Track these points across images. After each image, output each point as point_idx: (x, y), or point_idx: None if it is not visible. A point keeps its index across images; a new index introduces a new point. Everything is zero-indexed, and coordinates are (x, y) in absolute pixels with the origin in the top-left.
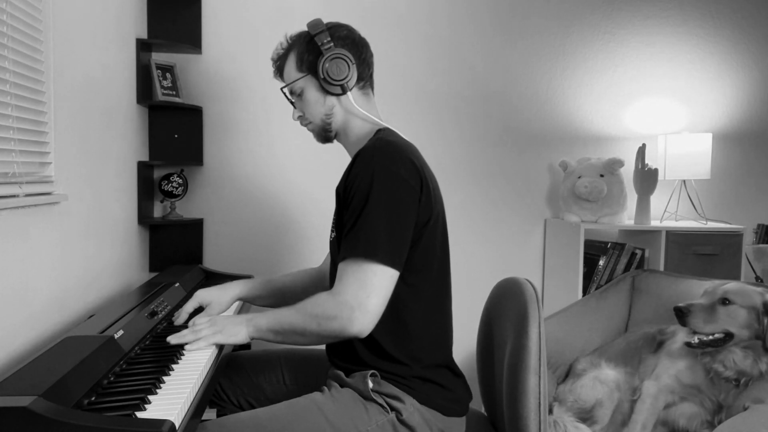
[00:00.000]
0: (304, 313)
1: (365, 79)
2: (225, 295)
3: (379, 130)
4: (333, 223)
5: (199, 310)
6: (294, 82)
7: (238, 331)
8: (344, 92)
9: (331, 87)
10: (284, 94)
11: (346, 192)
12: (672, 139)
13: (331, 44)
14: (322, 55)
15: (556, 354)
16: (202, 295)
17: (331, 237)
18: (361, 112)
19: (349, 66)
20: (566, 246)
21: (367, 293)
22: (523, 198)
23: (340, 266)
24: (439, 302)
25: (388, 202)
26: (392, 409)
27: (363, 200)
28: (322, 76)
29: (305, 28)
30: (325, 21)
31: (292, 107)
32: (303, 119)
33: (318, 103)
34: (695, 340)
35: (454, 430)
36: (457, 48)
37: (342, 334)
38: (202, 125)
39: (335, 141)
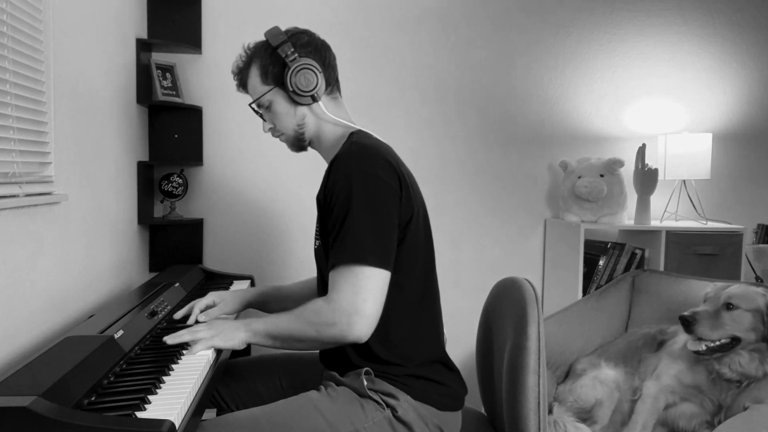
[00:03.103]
0: (302, 320)
1: (332, 83)
2: (235, 299)
3: (352, 133)
4: (316, 231)
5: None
6: (262, 96)
7: (235, 335)
8: (315, 101)
9: (301, 98)
10: (252, 109)
11: (326, 200)
12: (672, 139)
13: (296, 54)
14: (288, 67)
15: (556, 354)
16: (216, 293)
17: (315, 245)
18: (333, 118)
19: (316, 75)
20: (566, 246)
21: (363, 297)
22: (523, 198)
23: (332, 274)
24: (426, 300)
25: (370, 204)
26: (387, 406)
27: (345, 206)
28: (291, 89)
29: (263, 38)
30: (303, 26)
31: (261, 120)
32: (274, 131)
33: (288, 114)
34: (703, 347)
35: (449, 425)
36: (457, 49)
37: (342, 340)
38: (202, 125)
39: (309, 148)
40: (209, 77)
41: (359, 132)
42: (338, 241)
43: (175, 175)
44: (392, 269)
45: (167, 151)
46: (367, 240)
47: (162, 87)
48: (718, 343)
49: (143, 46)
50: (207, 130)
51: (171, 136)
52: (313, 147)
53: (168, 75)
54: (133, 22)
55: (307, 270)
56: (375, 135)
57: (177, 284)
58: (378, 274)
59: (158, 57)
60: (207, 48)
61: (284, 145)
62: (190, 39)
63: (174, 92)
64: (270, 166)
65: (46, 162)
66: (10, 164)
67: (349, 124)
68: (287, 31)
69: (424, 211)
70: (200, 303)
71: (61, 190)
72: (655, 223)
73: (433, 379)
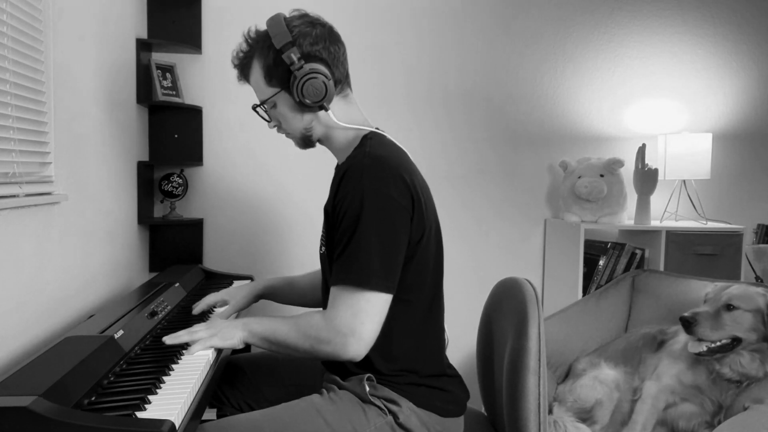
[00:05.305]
0: (299, 331)
1: (342, 80)
2: (245, 294)
3: (365, 137)
4: (322, 237)
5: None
6: (266, 99)
7: (234, 334)
8: (323, 109)
9: (307, 109)
10: (256, 112)
11: (334, 211)
12: (672, 139)
13: (302, 62)
14: (295, 77)
15: (556, 354)
16: (226, 291)
17: (320, 251)
18: (342, 125)
19: (325, 84)
20: (566, 246)
21: (361, 320)
22: (523, 198)
23: (333, 290)
24: (432, 314)
25: (379, 225)
26: (389, 412)
27: (353, 223)
28: (297, 99)
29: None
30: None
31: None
32: (280, 129)
33: (295, 119)
34: (703, 348)
35: (452, 431)
36: (457, 48)
37: (335, 358)
38: (202, 125)
39: (318, 145)
40: (209, 77)
41: (373, 136)
42: (343, 258)
43: (175, 175)
44: (395, 290)
45: (167, 151)
46: (373, 262)
47: (162, 87)
48: (718, 343)
49: (143, 46)
50: (207, 130)
51: (171, 136)
52: (322, 145)
53: (168, 75)
54: (133, 22)
55: (308, 269)
56: (389, 136)
57: (177, 284)
58: (379, 298)
59: (158, 57)
60: (207, 48)
61: (284, 146)
62: (190, 39)
63: (174, 92)
64: (270, 165)
65: (46, 162)
66: (10, 164)
67: (360, 127)
68: (291, 27)
69: (436, 226)
70: (208, 299)
71: (61, 190)
72: (655, 223)
73: (436, 386)
